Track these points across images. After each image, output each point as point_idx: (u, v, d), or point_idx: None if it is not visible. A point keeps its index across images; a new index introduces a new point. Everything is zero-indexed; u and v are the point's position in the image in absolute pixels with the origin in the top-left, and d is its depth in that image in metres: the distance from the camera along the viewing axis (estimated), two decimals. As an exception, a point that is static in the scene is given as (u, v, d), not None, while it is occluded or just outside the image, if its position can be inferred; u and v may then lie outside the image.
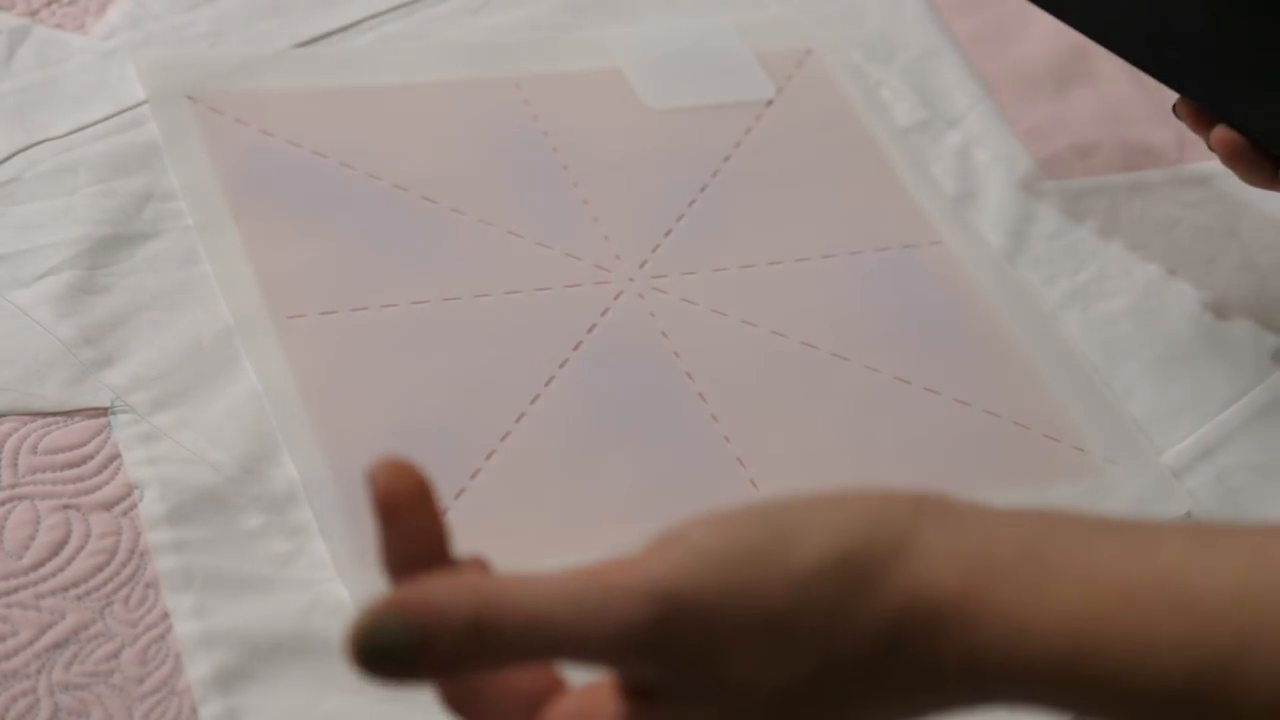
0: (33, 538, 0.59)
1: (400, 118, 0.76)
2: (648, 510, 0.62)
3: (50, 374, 0.63)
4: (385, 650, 0.39)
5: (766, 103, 0.80)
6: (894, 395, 0.68)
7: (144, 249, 0.68)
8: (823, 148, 0.78)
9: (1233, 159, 0.67)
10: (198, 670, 0.56)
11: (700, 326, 0.69)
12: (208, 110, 0.74)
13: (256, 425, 0.63)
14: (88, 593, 0.57)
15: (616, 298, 0.70)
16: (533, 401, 0.65)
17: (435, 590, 0.39)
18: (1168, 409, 0.70)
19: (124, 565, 0.58)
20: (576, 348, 0.68)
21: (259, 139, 0.73)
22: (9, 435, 0.61)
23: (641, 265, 0.71)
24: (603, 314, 0.69)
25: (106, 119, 0.73)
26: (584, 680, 0.43)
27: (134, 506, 0.60)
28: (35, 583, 0.57)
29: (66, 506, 0.60)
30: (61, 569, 0.58)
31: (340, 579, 0.59)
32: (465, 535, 0.60)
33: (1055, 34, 0.86)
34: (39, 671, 0.55)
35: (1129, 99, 0.84)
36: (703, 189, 0.75)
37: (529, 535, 0.61)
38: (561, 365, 0.67)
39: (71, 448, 0.61)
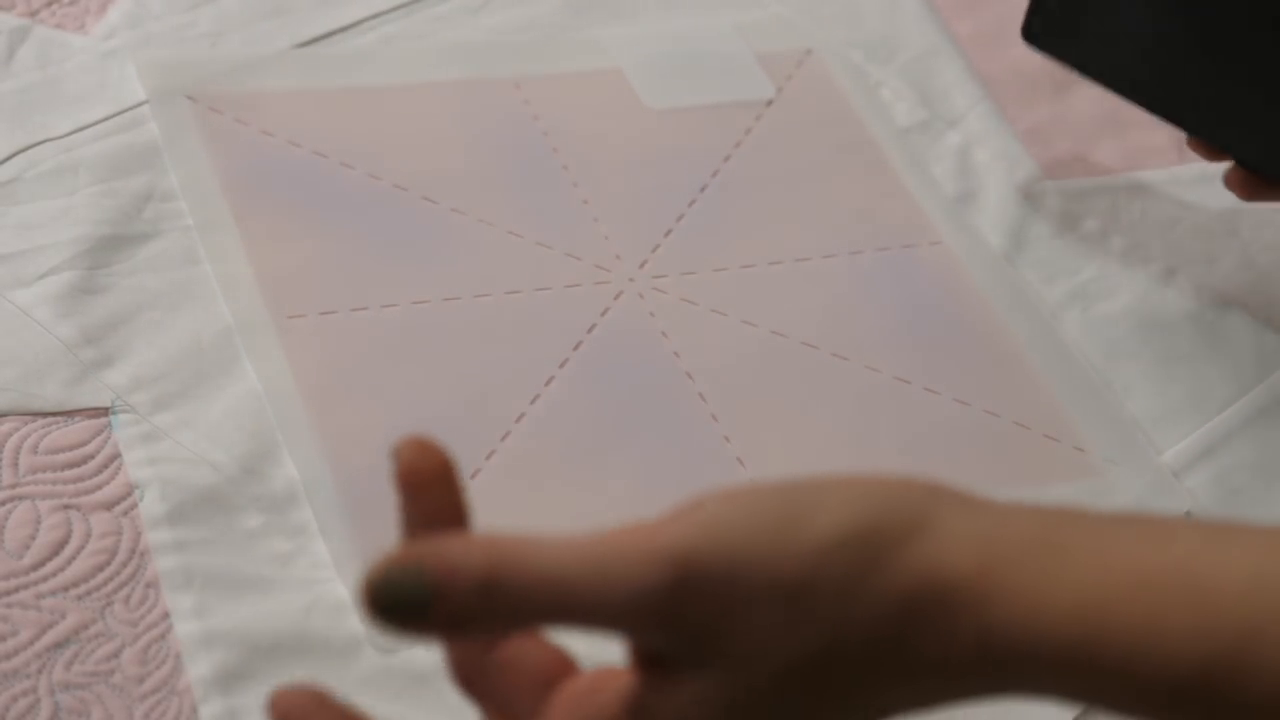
0: (33, 537, 0.59)
1: (400, 118, 0.76)
2: (648, 510, 0.62)
3: (51, 374, 0.63)
4: (396, 601, 0.39)
5: (766, 103, 0.80)
6: (894, 395, 0.69)
7: (144, 249, 0.68)
8: (823, 148, 0.78)
9: (1249, 193, 0.69)
10: (198, 670, 0.56)
11: (700, 326, 0.69)
12: (208, 110, 0.74)
13: (256, 425, 0.63)
14: (88, 592, 0.58)
15: (616, 298, 0.70)
16: (533, 401, 0.65)
17: (449, 546, 0.40)
18: (1168, 409, 0.70)
19: (124, 565, 0.58)
20: (576, 348, 0.68)
21: (259, 139, 0.73)
22: (9, 435, 0.61)
23: (641, 265, 0.72)
24: (603, 314, 0.69)
25: (107, 119, 0.73)
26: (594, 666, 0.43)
27: (134, 506, 0.60)
28: (35, 582, 0.57)
29: (67, 506, 0.60)
30: (62, 569, 0.58)
31: (340, 579, 0.59)
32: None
33: (1055, 34, 0.86)
34: (39, 671, 0.55)
35: (1129, 99, 0.84)
36: (703, 189, 0.75)
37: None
38: (561, 365, 0.67)
39: (72, 447, 0.61)
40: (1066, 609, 0.40)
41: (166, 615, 0.57)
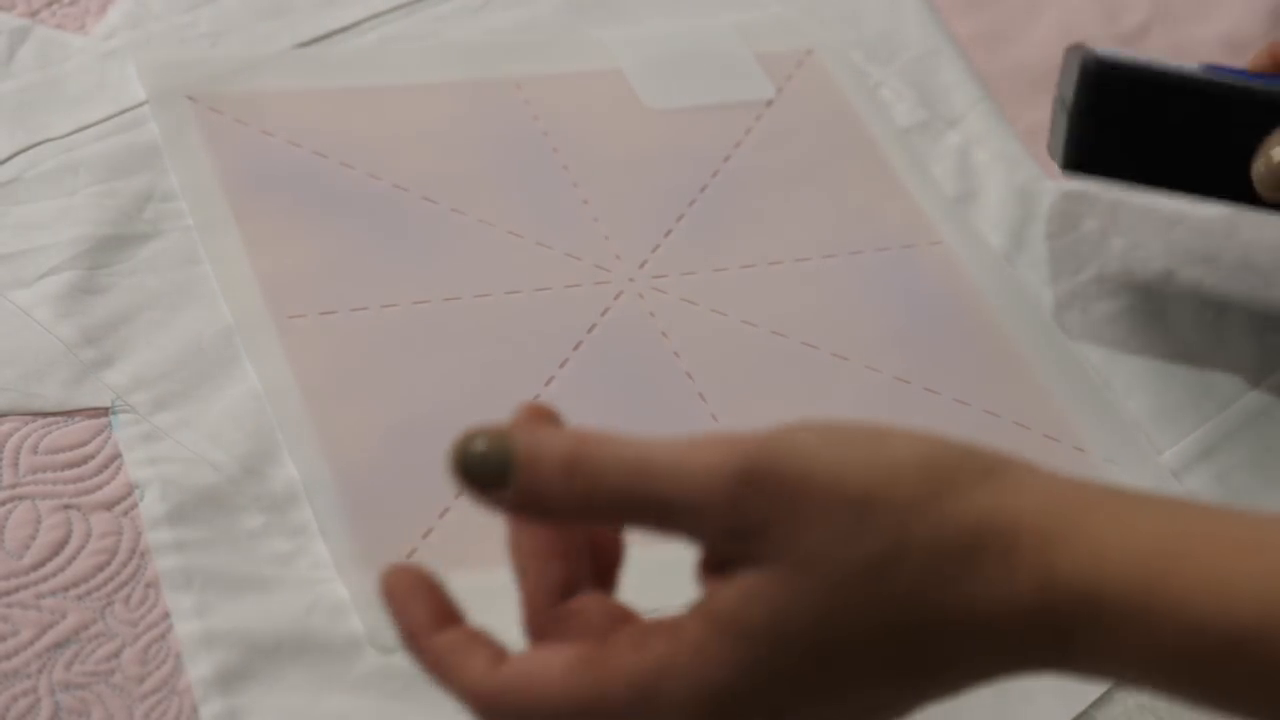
0: (33, 537, 0.59)
1: (400, 118, 0.76)
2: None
3: (51, 374, 0.63)
4: (480, 463, 0.42)
5: (766, 103, 0.80)
6: (894, 395, 0.69)
7: (144, 249, 0.68)
8: (823, 148, 0.78)
9: None
10: (198, 670, 0.56)
11: (700, 326, 0.69)
12: (208, 110, 0.74)
13: (256, 425, 0.63)
14: (88, 592, 0.58)
15: (616, 298, 0.70)
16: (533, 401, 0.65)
17: (539, 428, 0.43)
18: (1168, 409, 0.70)
19: (124, 565, 0.58)
20: (576, 348, 0.68)
21: (259, 139, 0.73)
22: (9, 435, 0.61)
23: (641, 265, 0.72)
24: (603, 314, 0.69)
25: (107, 119, 0.73)
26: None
27: (134, 506, 0.60)
28: (36, 582, 0.57)
29: (67, 506, 0.60)
30: (62, 569, 0.58)
31: (340, 579, 0.59)
32: (464, 535, 0.61)
33: (1055, 34, 0.86)
34: (39, 671, 0.55)
35: (1129, 99, 0.84)
36: (703, 189, 0.75)
37: (529, 535, 0.61)
38: (561, 365, 0.67)
39: (72, 447, 0.61)
40: (1130, 554, 0.40)
41: (166, 615, 0.57)
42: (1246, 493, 0.68)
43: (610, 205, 0.74)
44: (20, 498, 0.60)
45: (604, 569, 0.46)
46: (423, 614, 0.43)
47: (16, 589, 0.57)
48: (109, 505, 0.60)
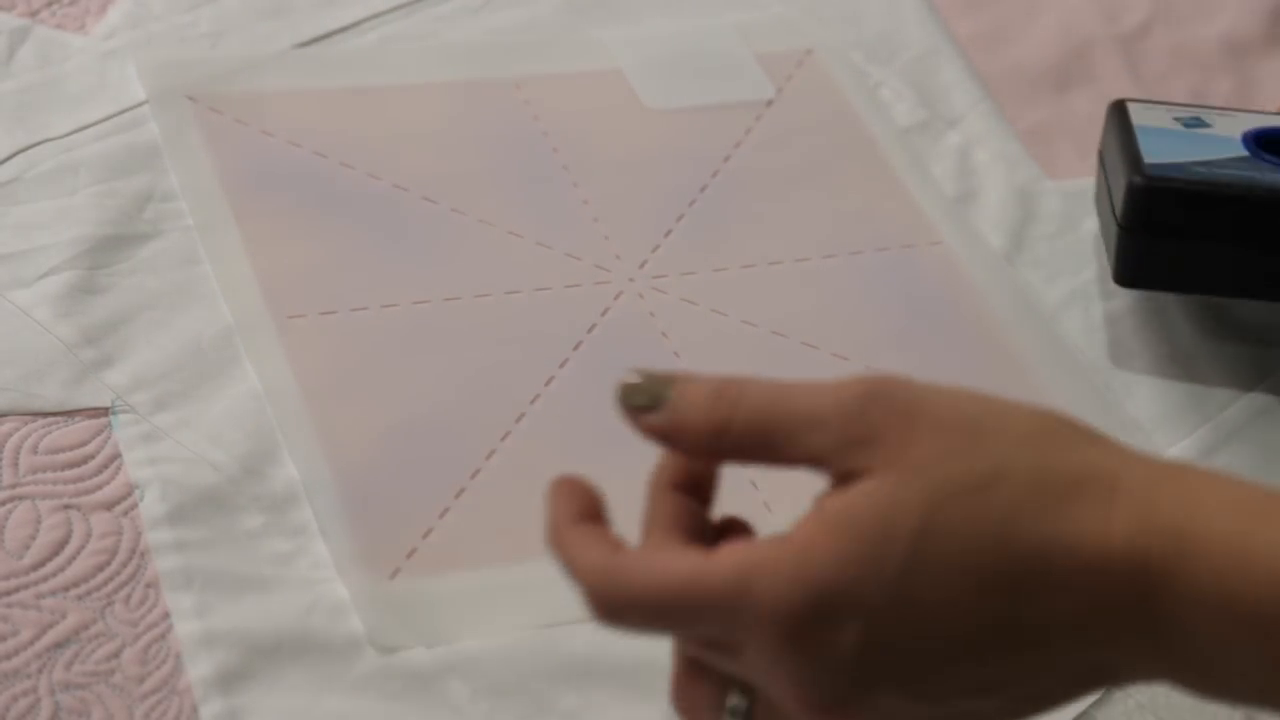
0: (33, 537, 0.59)
1: (400, 118, 0.76)
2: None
3: (51, 374, 0.63)
4: (635, 391, 0.48)
5: (766, 103, 0.80)
6: (894, 395, 0.68)
7: (144, 249, 0.68)
8: (823, 148, 0.78)
9: None
10: (198, 670, 0.56)
11: (700, 326, 0.69)
12: (208, 110, 0.74)
13: (256, 425, 0.63)
14: (88, 592, 0.58)
15: (616, 298, 0.70)
16: (533, 401, 0.65)
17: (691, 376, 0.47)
18: (1168, 409, 0.70)
19: (124, 565, 0.58)
20: (576, 348, 0.68)
21: (259, 139, 0.73)
22: (10, 435, 0.61)
23: (641, 265, 0.72)
24: (603, 314, 0.69)
25: (107, 119, 0.73)
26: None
27: (134, 506, 0.60)
28: (36, 582, 0.57)
29: (67, 506, 0.60)
30: (62, 569, 0.58)
31: (340, 579, 0.59)
32: (465, 535, 0.61)
33: (1055, 34, 0.86)
34: (39, 671, 0.55)
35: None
36: (703, 189, 0.75)
37: (529, 534, 0.61)
38: (561, 365, 0.67)
39: (72, 448, 0.61)
40: (1225, 504, 0.42)
41: (166, 615, 0.57)
42: (1246, 493, 0.68)
43: (610, 205, 0.74)
44: (20, 498, 0.60)
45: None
46: (567, 510, 0.47)
47: (16, 589, 0.57)
48: (109, 505, 0.60)
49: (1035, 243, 0.76)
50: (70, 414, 0.63)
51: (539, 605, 0.58)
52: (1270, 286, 0.69)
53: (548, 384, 0.66)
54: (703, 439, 0.46)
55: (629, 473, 0.64)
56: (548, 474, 0.63)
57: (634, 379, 0.47)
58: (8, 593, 0.57)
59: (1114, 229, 0.69)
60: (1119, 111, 0.72)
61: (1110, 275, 0.69)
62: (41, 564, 0.58)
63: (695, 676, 0.47)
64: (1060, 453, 0.44)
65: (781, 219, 0.75)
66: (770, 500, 0.63)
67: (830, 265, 0.73)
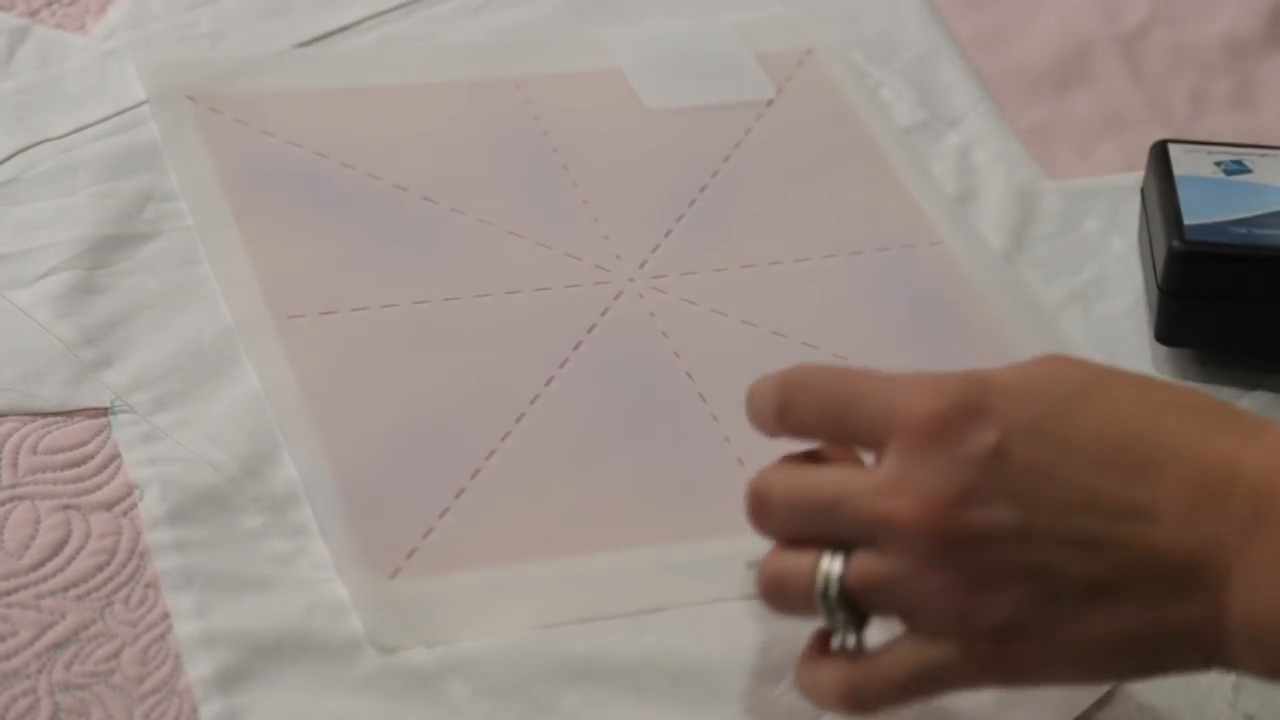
0: (33, 538, 0.59)
1: (400, 118, 0.76)
2: (648, 510, 0.62)
3: (50, 374, 0.63)
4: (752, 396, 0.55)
5: (766, 103, 0.80)
6: (894, 395, 0.68)
7: (144, 249, 0.68)
8: (823, 148, 0.78)
9: None
10: (198, 670, 0.56)
11: (700, 326, 0.69)
12: (208, 110, 0.74)
13: (256, 425, 0.63)
14: (88, 593, 0.57)
15: (616, 298, 0.70)
16: (533, 401, 0.65)
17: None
18: (1168, 409, 0.70)
19: (124, 565, 0.58)
20: (576, 348, 0.68)
21: (259, 139, 0.73)
22: (9, 435, 0.61)
23: (641, 265, 0.72)
24: (603, 314, 0.69)
25: (107, 119, 0.73)
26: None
27: (134, 506, 0.60)
28: (35, 583, 0.57)
29: (67, 506, 0.60)
30: (62, 569, 0.58)
31: (340, 579, 0.59)
32: (465, 534, 0.61)
33: (1055, 34, 0.86)
34: (39, 671, 0.55)
35: (1129, 99, 0.84)
36: (703, 189, 0.75)
37: (529, 534, 0.61)
38: (561, 365, 0.67)
39: (72, 448, 0.61)
40: None
41: (166, 615, 0.57)
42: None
43: (610, 205, 0.74)
44: (20, 498, 0.60)
45: None
46: None
47: (16, 589, 0.57)
48: (109, 505, 0.60)
49: (1035, 243, 0.76)
50: (70, 414, 0.63)
51: (539, 605, 0.58)
52: None
53: (548, 384, 0.66)
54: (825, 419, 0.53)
55: (629, 473, 0.64)
56: (548, 474, 0.63)
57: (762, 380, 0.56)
58: (7, 593, 0.57)
59: (1155, 288, 0.70)
60: (1160, 155, 0.73)
61: (1154, 336, 0.71)
62: (41, 564, 0.58)
63: (785, 556, 0.51)
64: (1215, 400, 0.50)
65: (781, 219, 0.75)
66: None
67: (830, 265, 0.73)
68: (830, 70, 0.82)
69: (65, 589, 0.57)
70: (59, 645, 0.56)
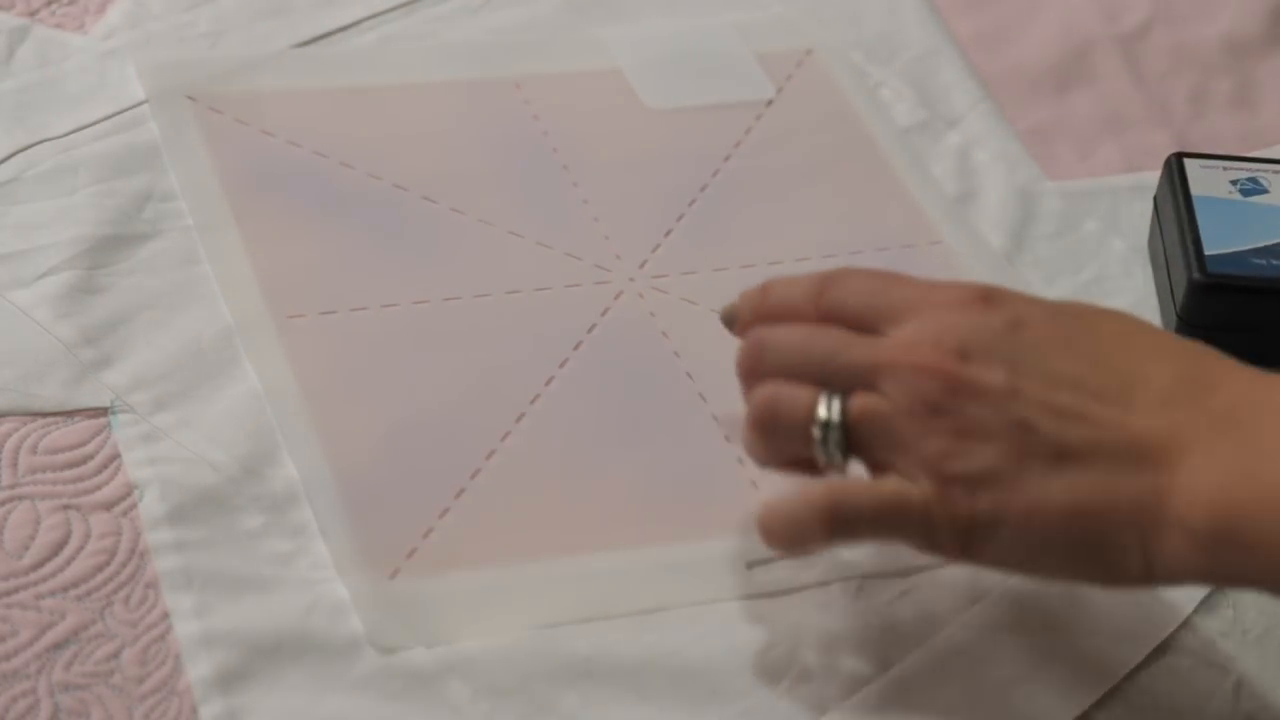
0: (33, 538, 0.59)
1: (400, 118, 0.76)
2: (648, 510, 0.62)
3: (50, 374, 0.63)
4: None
5: (766, 103, 0.80)
6: (894, 395, 0.68)
7: (144, 249, 0.68)
8: (823, 148, 0.78)
9: None
10: (198, 670, 0.56)
11: (700, 326, 0.69)
12: (208, 110, 0.74)
13: (256, 425, 0.63)
14: (88, 593, 0.57)
15: (616, 298, 0.70)
16: (533, 401, 0.65)
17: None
18: (1168, 409, 0.71)
19: (124, 565, 0.58)
20: (576, 348, 0.68)
21: (259, 139, 0.73)
22: (9, 435, 0.61)
23: (641, 265, 0.72)
24: (603, 314, 0.69)
25: (106, 119, 0.73)
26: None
27: (134, 506, 0.60)
28: (35, 583, 0.57)
29: (66, 506, 0.60)
30: (61, 569, 0.58)
31: (340, 579, 0.59)
32: (465, 534, 0.60)
33: (1055, 34, 0.86)
34: (39, 672, 0.55)
35: (1129, 99, 0.84)
36: (703, 189, 0.75)
37: (529, 534, 0.61)
38: (561, 365, 0.67)
39: (71, 448, 0.61)
40: None
41: (166, 615, 0.57)
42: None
43: (610, 205, 0.74)
44: (20, 498, 0.60)
45: None
46: None
47: (16, 589, 0.57)
48: (108, 505, 0.60)
49: (1035, 243, 0.76)
50: (70, 414, 0.63)
51: (539, 605, 0.58)
52: None
53: (548, 384, 0.66)
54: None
55: (629, 473, 0.64)
56: (548, 474, 0.63)
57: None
58: (7, 593, 0.57)
59: (1174, 315, 0.70)
60: (1177, 171, 0.73)
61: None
62: (41, 564, 0.58)
63: (782, 386, 0.54)
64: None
65: (781, 219, 0.75)
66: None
67: (830, 265, 0.73)
68: (830, 70, 0.82)
69: (65, 589, 0.57)
70: (59, 645, 0.56)
